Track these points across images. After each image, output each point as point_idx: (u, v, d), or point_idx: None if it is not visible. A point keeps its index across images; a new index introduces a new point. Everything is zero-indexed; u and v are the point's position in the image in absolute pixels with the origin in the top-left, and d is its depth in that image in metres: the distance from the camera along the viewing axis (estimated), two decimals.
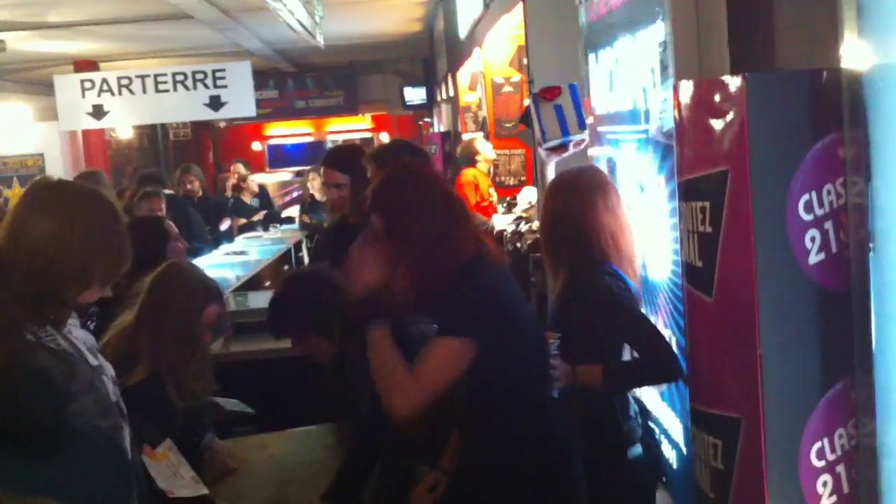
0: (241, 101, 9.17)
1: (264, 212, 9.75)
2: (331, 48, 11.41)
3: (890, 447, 1.51)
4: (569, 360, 2.46)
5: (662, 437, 2.71)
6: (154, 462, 2.45)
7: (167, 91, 9.08)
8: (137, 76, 9.11)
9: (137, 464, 2.11)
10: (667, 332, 2.57)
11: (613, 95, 3.08)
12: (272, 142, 19.32)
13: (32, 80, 12.16)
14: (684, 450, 2.49)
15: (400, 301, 2.25)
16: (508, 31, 7.38)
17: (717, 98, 1.65)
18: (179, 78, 9.08)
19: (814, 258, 1.57)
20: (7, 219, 1.93)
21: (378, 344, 2.22)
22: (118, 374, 2.13)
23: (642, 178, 2.76)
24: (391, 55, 15.75)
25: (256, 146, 19.10)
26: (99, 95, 9.09)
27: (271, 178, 16.14)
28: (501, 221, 6.43)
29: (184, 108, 9.34)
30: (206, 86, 9.08)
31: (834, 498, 1.60)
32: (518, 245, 5.57)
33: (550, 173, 3.22)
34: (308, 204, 9.02)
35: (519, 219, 6.10)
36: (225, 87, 9.09)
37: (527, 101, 3.33)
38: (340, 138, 17.95)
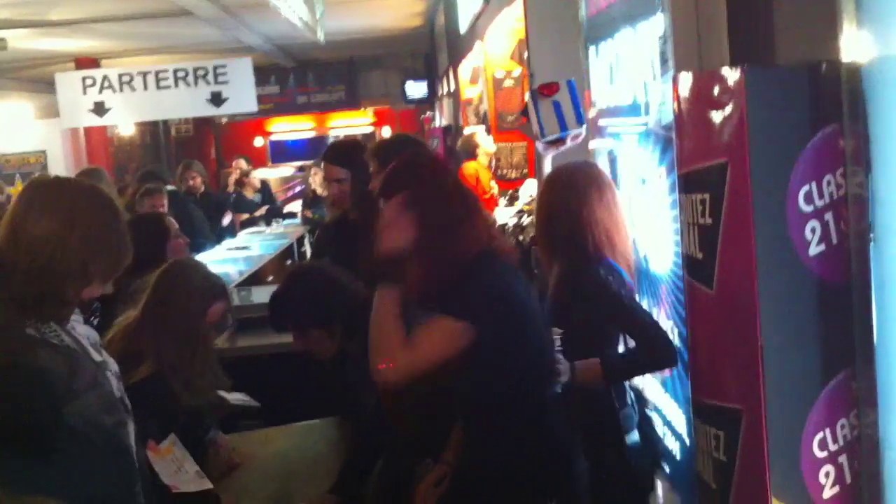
0: (242, 96, 9.19)
1: (266, 207, 9.77)
2: (331, 43, 11.42)
3: (892, 438, 1.51)
4: (568, 354, 2.48)
5: (665, 429, 2.72)
6: (158, 457, 2.46)
7: (168, 88, 9.10)
8: (139, 73, 9.12)
9: (142, 459, 2.11)
10: (669, 324, 2.57)
11: (614, 88, 3.08)
12: (274, 137, 19.33)
13: (34, 77, 12.17)
14: (687, 441, 2.49)
15: (408, 290, 2.26)
16: (509, 25, 7.37)
17: (716, 90, 1.65)
18: (181, 74, 9.10)
19: (814, 249, 1.57)
20: (6, 218, 1.93)
21: (383, 304, 2.21)
22: (123, 371, 2.13)
23: (643, 171, 2.76)
24: (392, 50, 15.76)
25: (258, 142, 19.12)
26: (100, 92, 9.11)
27: (273, 174, 16.14)
28: (503, 214, 6.44)
29: (185, 104, 9.36)
30: (207, 82, 9.10)
31: (836, 489, 1.60)
32: (521, 238, 5.58)
33: (547, 167, 3.24)
34: (310, 199, 9.03)
35: (521, 212, 6.11)
36: (226, 83, 9.10)
37: (527, 97, 3.34)
38: (342, 133, 17.96)
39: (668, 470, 2.75)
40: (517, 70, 8.01)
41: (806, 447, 1.58)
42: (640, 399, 2.81)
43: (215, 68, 9.06)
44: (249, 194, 9.68)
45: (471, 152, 7.26)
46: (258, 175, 10.44)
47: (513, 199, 6.85)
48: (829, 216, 1.57)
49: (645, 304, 2.84)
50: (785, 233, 1.57)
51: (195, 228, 6.91)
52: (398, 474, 2.64)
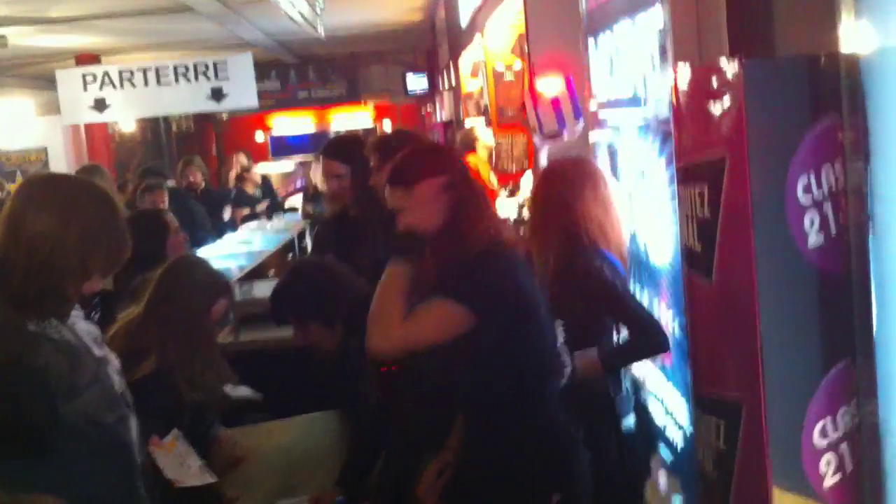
0: (243, 92, 9.16)
1: (267, 202, 9.76)
2: (332, 38, 11.39)
3: (893, 426, 1.52)
4: (567, 345, 2.50)
5: (668, 419, 2.73)
6: (162, 452, 2.47)
7: (169, 84, 9.08)
8: (139, 69, 9.10)
9: (145, 455, 2.12)
10: (669, 315, 2.59)
11: (614, 81, 3.09)
12: (275, 133, 19.30)
13: (34, 74, 12.15)
14: (689, 431, 2.50)
15: (421, 272, 2.26)
16: (509, 19, 7.36)
17: (714, 83, 1.66)
18: (181, 70, 9.08)
19: (813, 241, 1.58)
20: (3, 216, 1.92)
21: (391, 277, 2.23)
22: (126, 367, 2.14)
23: (643, 163, 2.77)
24: (393, 45, 15.72)
25: (259, 137, 19.08)
26: (101, 89, 9.09)
27: (274, 169, 16.13)
28: (504, 207, 6.44)
29: (186, 100, 9.34)
30: (207, 78, 9.07)
31: (838, 477, 1.61)
32: (521, 231, 5.58)
33: (543, 159, 3.27)
34: (311, 194, 9.02)
35: (522, 205, 6.11)
36: (227, 79, 9.08)
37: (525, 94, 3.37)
38: (343, 128, 17.93)
39: (668, 459, 2.76)
40: (517, 63, 8.00)
41: (807, 436, 1.58)
42: (636, 384, 2.84)
43: (216, 64, 9.04)
44: (250, 189, 9.68)
45: (470, 146, 7.25)
46: (259, 170, 10.44)
47: (513, 193, 6.84)
48: (827, 208, 1.58)
49: (645, 296, 2.85)
50: (784, 225, 1.58)
51: (196, 224, 6.92)
52: (401, 468, 2.64)
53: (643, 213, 2.80)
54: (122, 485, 1.98)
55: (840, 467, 1.60)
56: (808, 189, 1.57)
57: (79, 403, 1.87)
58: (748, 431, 1.63)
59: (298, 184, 13.48)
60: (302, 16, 7.95)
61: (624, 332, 2.73)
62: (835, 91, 1.55)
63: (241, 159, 9.76)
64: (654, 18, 2.52)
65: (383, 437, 2.74)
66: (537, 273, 2.64)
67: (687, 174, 1.80)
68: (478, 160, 7.19)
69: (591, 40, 3.35)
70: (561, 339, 2.48)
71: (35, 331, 1.85)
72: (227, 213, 8.75)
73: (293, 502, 2.71)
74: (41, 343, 1.85)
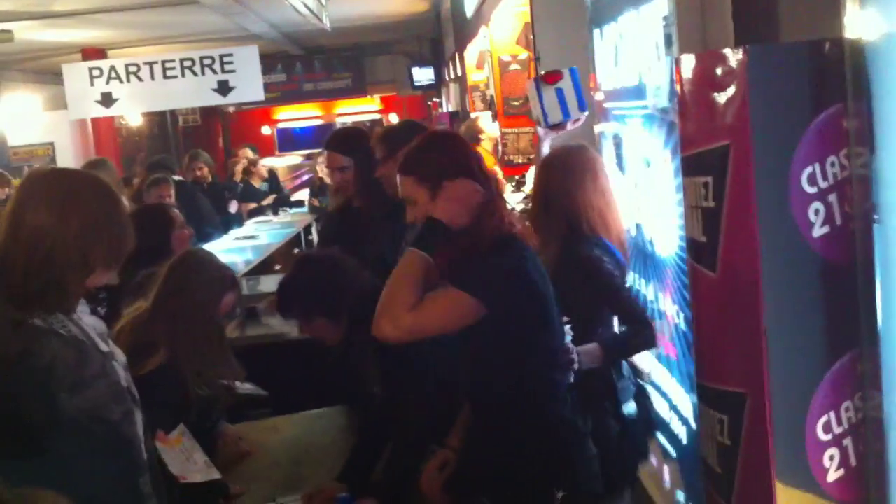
0: (249, 85, 9.14)
1: (274, 195, 9.77)
2: (337, 30, 11.38)
3: None
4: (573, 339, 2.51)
5: (672, 413, 2.72)
6: (167, 447, 2.47)
7: (175, 77, 9.07)
8: (145, 63, 9.10)
9: (150, 449, 2.11)
10: (674, 308, 2.57)
11: (619, 71, 3.06)
12: (281, 125, 19.33)
13: (40, 69, 12.17)
14: (693, 425, 2.48)
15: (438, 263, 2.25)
16: (515, 9, 7.33)
17: (718, 71, 1.64)
18: (187, 64, 9.07)
19: (818, 231, 1.56)
20: (5, 212, 1.92)
21: (408, 265, 2.22)
22: (134, 362, 2.13)
23: (648, 154, 2.75)
24: (398, 36, 15.70)
25: (266, 130, 19.13)
26: (107, 83, 9.09)
27: (281, 162, 16.16)
28: (510, 200, 6.42)
29: (192, 93, 9.33)
30: (213, 71, 9.06)
31: (841, 471, 1.59)
32: (528, 223, 5.56)
33: (546, 150, 3.26)
34: (318, 187, 9.03)
35: (528, 197, 6.09)
36: (233, 71, 9.06)
37: (529, 84, 3.35)
38: (349, 120, 17.95)
39: (672, 454, 2.75)
40: (523, 54, 7.97)
41: (810, 430, 1.57)
42: (635, 370, 2.89)
43: (221, 57, 9.02)
44: (257, 183, 9.69)
45: (474, 137, 7.22)
46: (265, 164, 10.44)
47: (520, 185, 6.82)
48: (832, 197, 1.56)
49: (651, 289, 2.84)
50: (788, 215, 1.56)
51: (203, 218, 6.93)
52: (405, 463, 2.63)
53: (649, 204, 2.78)
54: (124, 484, 1.97)
55: (844, 462, 1.58)
56: (812, 179, 1.55)
57: (85, 397, 1.86)
58: (752, 425, 1.62)
59: (304, 177, 13.50)
60: (307, 7, 7.93)
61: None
62: (839, 78, 1.53)
63: (247, 153, 9.76)
64: (659, 7, 2.50)
65: (387, 432, 2.73)
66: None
67: (691, 164, 1.78)
68: (482, 152, 7.16)
69: (596, 31, 3.32)
70: (569, 337, 2.49)
71: (42, 326, 1.85)
72: (233, 207, 8.75)
73: (298, 497, 2.71)
74: (48, 338, 1.84)
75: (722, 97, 1.63)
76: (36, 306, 1.86)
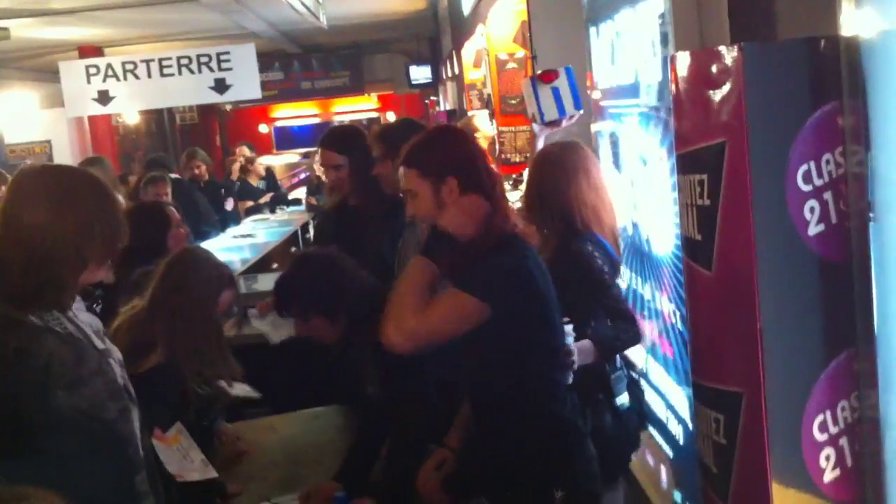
0: (246, 83, 9.14)
1: (271, 194, 9.76)
2: (335, 28, 11.37)
3: (893, 418, 1.50)
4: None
5: (669, 412, 2.72)
6: (164, 446, 2.46)
7: (172, 75, 9.07)
8: (142, 61, 9.09)
9: (148, 448, 2.11)
10: (671, 307, 2.57)
11: (615, 69, 3.06)
12: (279, 124, 19.32)
13: (37, 67, 12.15)
14: (690, 425, 2.48)
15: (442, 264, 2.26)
16: (512, 7, 7.32)
17: (713, 69, 1.63)
18: (184, 62, 9.06)
19: (813, 229, 1.56)
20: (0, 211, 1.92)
21: (415, 272, 2.23)
22: (132, 360, 2.13)
23: (644, 152, 2.75)
24: (396, 34, 15.68)
25: (263, 128, 19.11)
26: (104, 81, 9.09)
27: (278, 160, 16.15)
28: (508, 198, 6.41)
29: (189, 91, 9.32)
30: (210, 69, 9.05)
31: (837, 471, 1.59)
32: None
33: (540, 146, 3.28)
34: (315, 185, 9.02)
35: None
36: (230, 69, 9.06)
37: (524, 82, 3.37)
38: (347, 119, 17.94)
39: (669, 454, 2.75)
40: (520, 52, 7.96)
41: (806, 430, 1.56)
42: (627, 363, 2.92)
43: (219, 55, 9.02)
44: (254, 181, 9.68)
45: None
46: (263, 162, 10.43)
47: (517, 183, 6.81)
48: (828, 195, 1.55)
49: (648, 287, 2.84)
50: (784, 213, 1.55)
51: (200, 216, 6.92)
52: (403, 463, 2.63)
53: (645, 202, 2.78)
54: (120, 482, 1.96)
55: (840, 462, 1.58)
56: (808, 177, 1.54)
57: (82, 395, 1.86)
58: (748, 425, 1.61)
59: (302, 175, 13.48)
60: (304, 5, 7.92)
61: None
62: (835, 75, 1.53)
63: (244, 151, 9.75)
64: (655, 5, 2.50)
65: (385, 431, 2.72)
66: None
67: (687, 162, 1.77)
68: None
69: (592, 29, 3.32)
70: (571, 337, 2.49)
71: (38, 324, 1.84)
72: (229, 204, 8.74)
73: (295, 497, 2.71)
74: (45, 336, 1.84)
75: (717, 95, 1.63)
76: (33, 304, 1.85)
